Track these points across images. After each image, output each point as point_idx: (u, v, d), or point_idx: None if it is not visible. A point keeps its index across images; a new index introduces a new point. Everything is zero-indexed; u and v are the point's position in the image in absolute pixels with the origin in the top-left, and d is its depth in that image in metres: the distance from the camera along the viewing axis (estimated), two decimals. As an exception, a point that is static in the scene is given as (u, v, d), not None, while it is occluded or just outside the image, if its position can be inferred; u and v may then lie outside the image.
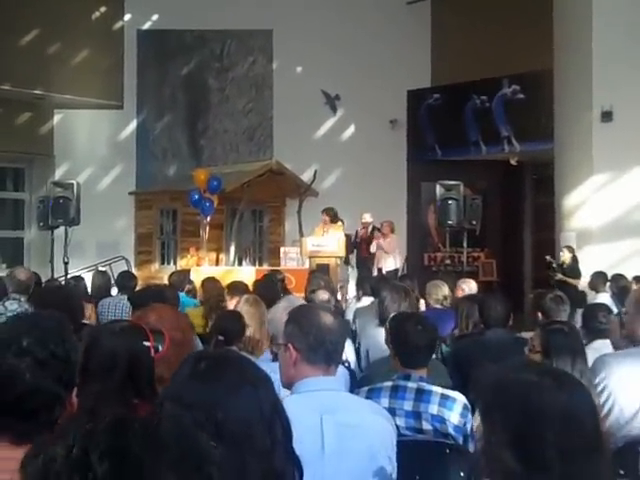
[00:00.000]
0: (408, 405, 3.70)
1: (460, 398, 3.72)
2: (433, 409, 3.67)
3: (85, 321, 5.91)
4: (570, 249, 11.36)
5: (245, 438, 1.57)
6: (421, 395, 3.71)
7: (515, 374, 1.76)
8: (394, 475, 2.74)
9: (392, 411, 3.66)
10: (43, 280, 8.85)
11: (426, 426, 3.69)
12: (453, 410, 3.66)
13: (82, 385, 2.52)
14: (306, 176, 15.27)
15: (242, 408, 1.61)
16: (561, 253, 11.50)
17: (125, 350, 2.49)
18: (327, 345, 2.69)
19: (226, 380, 1.65)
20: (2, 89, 14.49)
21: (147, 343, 2.68)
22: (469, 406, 3.71)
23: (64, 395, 2.05)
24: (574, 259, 11.26)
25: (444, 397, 3.70)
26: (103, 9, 16.02)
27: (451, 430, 3.66)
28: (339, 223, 12.61)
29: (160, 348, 2.80)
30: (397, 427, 3.56)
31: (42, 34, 14.97)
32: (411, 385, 3.75)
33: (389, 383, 3.79)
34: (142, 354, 2.57)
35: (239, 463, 1.55)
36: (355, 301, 8.35)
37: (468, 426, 3.68)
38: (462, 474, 3.60)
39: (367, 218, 13.35)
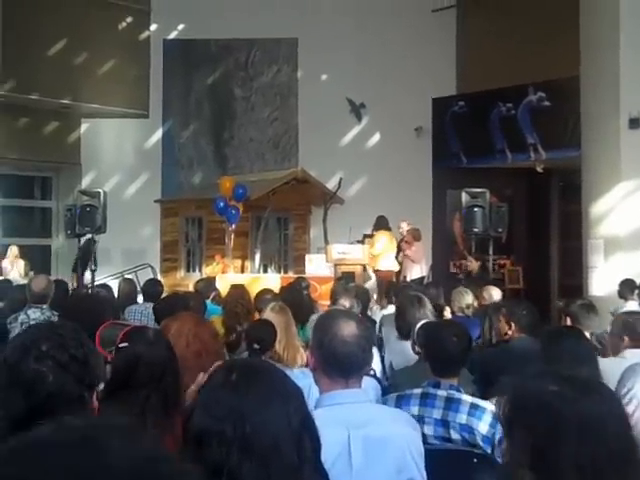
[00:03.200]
0: (437, 413, 3.68)
1: (490, 408, 3.68)
2: (462, 418, 3.64)
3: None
4: (478, 258, 11.17)
5: (272, 453, 1.54)
6: (450, 404, 3.68)
7: (532, 384, 1.72)
8: None
9: (421, 419, 3.65)
10: (70, 288, 8.93)
11: (454, 435, 3.66)
12: (482, 420, 3.63)
13: (109, 393, 2.53)
14: (331, 184, 15.28)
15: (270, 422, 1.58)
16: (468, 262, 11.31)
17: (168, 360, 2.51)
18: (340, 358, 2.64)
19: (256, 392, 1.62)
20: (30, 99, 14.64)
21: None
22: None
23: (87, 396, 2.08)
24: (483, 267, 11.11)
25: (473, 407, 3.67)
26: (129, 19, 16.15)
27: (479, 440, 3.62)
28: (383, 231, 12.64)
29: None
30: (425, 435, 3.56)
31: (69, 44, 15.11)
32: (441, 393, 3.73)
33: (419, 390, 3.76)
34: (168, 364, 2.59)
35: (266, 477, 1.53)
36: (379, 309, 8.32)
37: (497, 436, 3.64)
38: (491, 482, 3.58)
39: (404, 227, 13.33)
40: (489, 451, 3.64)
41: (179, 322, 3.05)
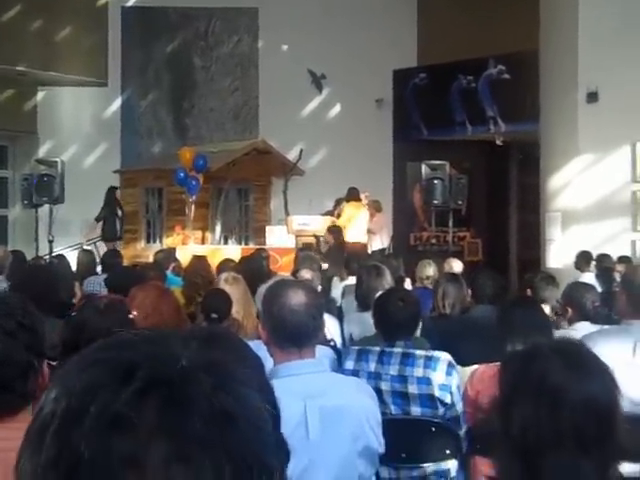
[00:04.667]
0: (394, 370, 3.75)
1: (444, 357, 3.77)
2: (418, 372, 3.73)
3: (74, 300, 5.90)
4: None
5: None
6: (406, 359, 3.77)
7: (527, 357, 1.76)
8: (381, 451, 2.76)
9: (378, 376, 3.74)
10: (28, 258, 8.82)
11: (412, 390, 3.74)
12: (437, 370, 3.71)
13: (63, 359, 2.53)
14: (292, 155, 15.23)
15: None
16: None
17: (116, 326, 2.51)
18: (290, 327, 2.63)
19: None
20: (-17, 66, 14.35)
21: (132, 315, 2.70)
22: (454, 363, 3.75)
23: (36, 364, 2.08)
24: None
25: (428, 358, 3.75)
26: (87, -15, 15.85)
27: (437, 390, 3.70)
28: (356, 203, 12.63)
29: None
30: (382, 392, 3.63)
31: (25, 10, 14.79)
32: (397, 350, 3.80)
33: (377, 348, 3.83)
34: (131, 327, 2.59)
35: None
36: (339, 280, 8.35)
37: (453, 383, 3.72)
38: (447, 451, 3.65)
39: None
40: (447, 399, 3.70)
41: (143, 293, 3.05)
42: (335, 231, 11.20)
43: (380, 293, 4.41)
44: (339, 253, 10.06)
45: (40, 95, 16.09)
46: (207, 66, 16.62)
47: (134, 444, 0.70)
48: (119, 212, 12.89)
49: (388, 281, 5.47)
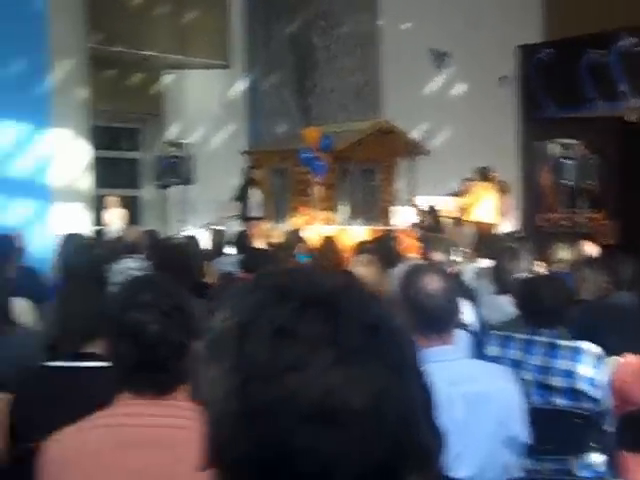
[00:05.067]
0: (537, 360, 3.67)
1: (592, 349, 3.63)
2: (563, 364, 3.62)
3: (205, 279, 6.04)
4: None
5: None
6: (551, 350, 3.67)
7: None
8: (527, 440, 2.71)
9: (520, 364, 3.66)
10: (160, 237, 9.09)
11: (555, 382, 3.64)
12: (583, 362, 3.60)
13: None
14: (416, 134, 15.10)
15: None
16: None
17: None
18: (428, 312, 2.62)
19: None
20: (114, 51, 14.78)
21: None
22: (603, 355, 3.62)
23: (189, 344, 2.11)
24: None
25: (574, 350, 3.64)
26: (212, -31, 16.09)
27: (582, 384, 3.59)
28: (486, 183, 12.50)
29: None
30: (524, 382, 3.55)
31: (151, -5, 15.17)
32: (541, 339, 3.71)
33: (522, 335, 3.75)
34: None
35: None
36: (468, 262, 8.23)
37: (602, 376, 3.58)
38: (593, 445, 3.53)
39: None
40: (595, 394, 3.58)
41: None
42: (433, 213, 11.24)
43: (529, 279, 4.30)
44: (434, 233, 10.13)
45: (166, 78, 16.49)
46: (327, 46, 16.62)
47: (297, 352, 0.80)
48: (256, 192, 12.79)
49: (525, 264, 5.35)
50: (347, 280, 0.88)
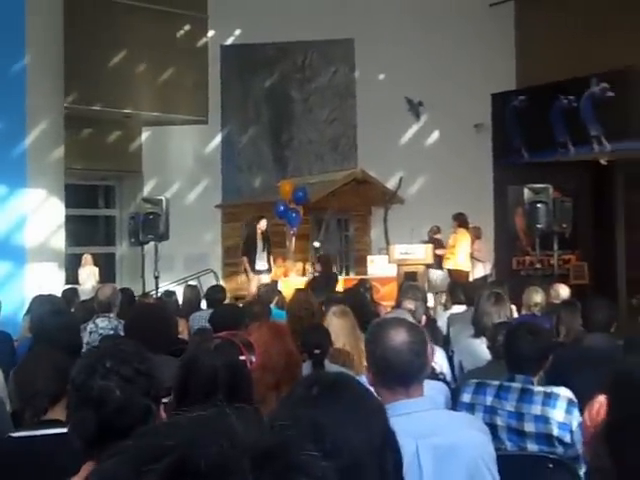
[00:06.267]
0: (510, 406, 3.65)
1: (565, 393, 3.63)
2: (536, 409, 3.62)
3: (179, 336, 6.00)
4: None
5: (353, 470, 1.48)
6: (524, 395, 3.66)
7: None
8: None
9: (494, 410, 3.64)
10: (136, 295, 9.04)
11: (528, 428, 3.62)
12: (557, 407, 3.59)
13: (179, 403, 2.54)
14: (391, 184, 15.19)
15: (352, 439, 1.52)
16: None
17: (224, 367, 2.51)
18: (394, 368, 2.58)
19: (337, 408, 1.56)
20: (93, 110, 14.87)
21: (242, 357, 2.69)
22: (575, 401, 3.61)
23: (154, 409, 2.10)
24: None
25: (547, 395, 3.63)
26: (187, 27, 16.29)
27: (555, 429, 3.58)
28: (463, 230, 12.56)
29: (253, 359, 2.81)
30: (497, 428, 3.52)
31: (129, 54, 15.31)
32: (515, 385, 3.70)
33: (496, 382, 3.74)
34: (240, 369, 2.59)
35: None
36: (442, 309, 8.22)
37: (574, 422, 3.57)
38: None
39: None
40: (567, 439, 3.57)
41: (257, 333, 3.05)
42: (324, 261, 11.29)
43: (507, 324, 4.30)
44: (325, 281, 10.12)
45: (144, 135, 16.57)
46: (305, 98, 16.80)
47: None
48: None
49: (507, 310, 5.35)
50: (262, 437, 0.67)
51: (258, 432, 0.66)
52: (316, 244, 13.73)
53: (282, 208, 13.60)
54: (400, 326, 2.71)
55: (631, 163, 14.69)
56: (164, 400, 3.03)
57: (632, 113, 13.20)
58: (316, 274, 11.77)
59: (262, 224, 13.61)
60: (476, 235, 13.14)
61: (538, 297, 7.09)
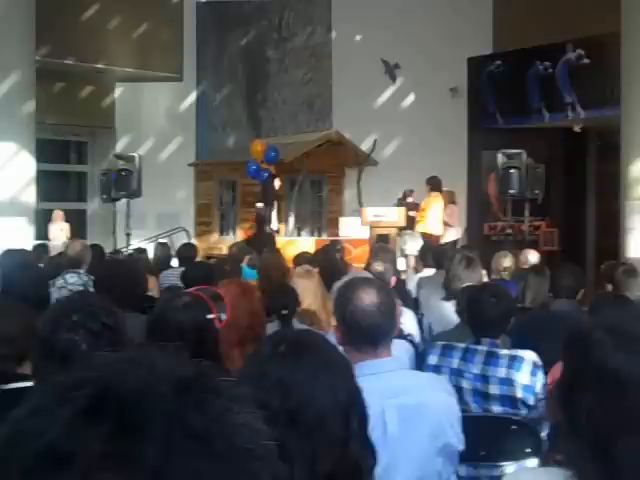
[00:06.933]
0: (476, 368, 3.69)
1: (529, 357, 3.68)
2: (501, 372, 3.66)
3: (149, 293, 5.98)
4: None
5: (318, 427, 1.52)
6: (490, 358, 3.70)
7: (582, 329, 1.73)
8: (461, 448, 2.71)
9: (460, 373, 3.68)
10: (106, 251, 8.99)
11: (493, 390, 3.67)
12: (521, 370, 3.64)
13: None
14: (365, 145, 15.17)
15: (317, 396, 1.55)
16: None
17: (191, 325, 2.51)
18: (364, 329, 2.60)
19: (304, 365, 1.59)
20: (65, 63, 14.66)
21: (211, 315, 2.69)
22: (540, 364, 3.66)
23: None
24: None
25: (512, 358, 3.68)
26: (163, -19, 16.06)
27: (520, 391, 3.63)
28: (436, 193, 12.56)
29: (223, 317, 2.81)
30: (462, 390, 3.57)
31: (103, 8, 15.08)
32: (481, 348, 3.74)
33: (462, 345, 3.77)
34: (207, 327, 2.59)
35: (310, 452, 1.50)
36: (414, 272, 8.26)
37: (538, 385, 3.63)
38: (528, 450, 3.56)
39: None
40: (531, 401, 3.62)
41: (223, 290, 3.04)
42: (258, 220, 11.51)
43: (471, 288, 4.33)
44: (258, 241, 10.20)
45: (118, 91, 16.38)
46: (281, 58, 16.67)
47: None
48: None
49: (478, 274, 5.37)
50: (184, 369, 0.66)
51: (178, 364, 0.67)
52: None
53: (254, 167, 13.54)
54: (369, 287, 2.72)
55: (604, 132, 14.77)
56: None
57: (607, 80, 13.22)
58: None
59: (277, 184, 13.63)
60: (450, 199, 13.16)
61: (507, 262, 7.14)
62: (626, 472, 1.53)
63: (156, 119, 16.31)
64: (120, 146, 15.76)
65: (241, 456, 0.62)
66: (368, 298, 2.63)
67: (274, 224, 13.55)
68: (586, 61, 14.20)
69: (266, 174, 13.50)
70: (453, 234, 12.90)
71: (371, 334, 2.61)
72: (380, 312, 2.62)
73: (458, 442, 2.70)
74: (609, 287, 5.34)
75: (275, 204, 13.80)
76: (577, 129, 14.91)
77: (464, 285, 4.97)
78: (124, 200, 11.34)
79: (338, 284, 4.12)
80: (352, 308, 2.62)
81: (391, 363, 2.66)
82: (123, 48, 15.42)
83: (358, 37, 16.07)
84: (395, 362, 2.71)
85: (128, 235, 11.03)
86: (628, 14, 12.04)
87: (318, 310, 4.76)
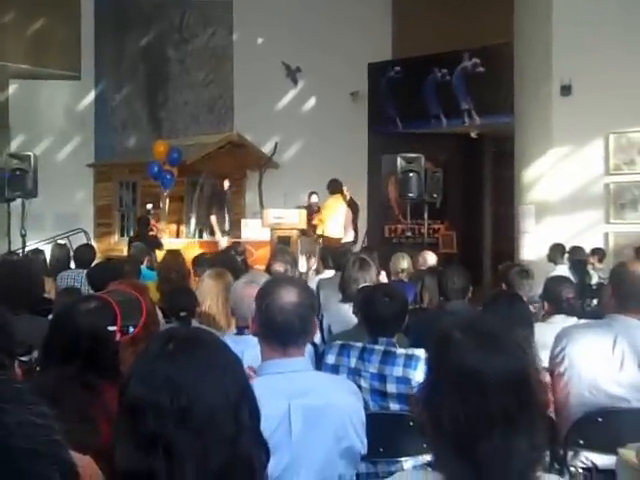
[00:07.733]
0: (374, 368, 3.73)
1: (425, 355, 3.74)
2: (398, 371, 3.71)
3: (45, 295, 5.86)
4: None
5: (209, 424, 1.52)
6: (387, 357, 3.75)
7: (443, 328, 1.74)
8: (364, 451, 2.75)
9: (357, 372, 3.72)
10: (0, 253, 8.74)
11: (390, 389, 3.72)
12: (417, 369, 3.69)
13: (43, 362, 2.50)
14: (267, 148, 15.19)
15: (207, 393, 1.55)
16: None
17: (88, 333, 2.46)
18: (277, 325, 2.62)
19: (193, 363, 1.58)
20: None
21: (112, 328, 2.64)
22: None
23: (8, 364, 2.06)
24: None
25: (408, 357, 3.73)
26: (60, -23, 15.69)
27: (416, 389, 3.66)
28: (336, 196, 12.60)
29: (131, 330, 2.77)
30: (361, 389, 3.62)
31: (-4, 2, 14.64)
32: (378, 348, 3.78)
33: (360, 344, 3.82)
34: (105, 338, 2.54)
35: (201, 450, 1.50)
36: (314, 274, 8.32)
37: None
38: (425, 445, 3.64)
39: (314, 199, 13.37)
40: None
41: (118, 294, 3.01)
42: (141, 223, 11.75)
43: (365, 288, 4.38)
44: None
45: (12, 88, 15.91)
46: (181, 59, 16.53)
47: None
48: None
49: (372, 275, 5.44)
50: None
51: None
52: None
53: (156, 169, 13.40)
54: (292, 286, 2.73)
55: (499, 138, 15.21)
56: (23, 358, 2.96)
57: (501, 89, 13.63)
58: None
59: (226, 185, 13.43)
60: (350, 202, 13.28)
61: (404, 263, 7.28)
62: (489, 471, 1.57)
63: (53, 118, 15.93)
64: (15, 145, 15.32)
65: (19, 456, 0.60)
66: (287, 296, 2.64)
67: (217, 234, 13.28)
68: (481, 69, 14.61)
69: (168, 175, 13.39)
70: (350, 236, 13.04)
71: (282, 331, 2.62)
72: (295, 312, 2.63)
73: (361, 445, 2.73)
74: (504, 287, 5.50)
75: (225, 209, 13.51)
76: (474, 135, 15.32)
77: (360, 286, 5.04)
78: (19, 200, 11.02)
79: (239, 282, 4.13)
80: (269, 302, 2.63)
81: (298, 363, 2.67)
82: (17, 44, 14.99)
83: (260, 40, 16.08)
84: (303, 362, 2.70)
85: (23, 236, 10.70)
86: (520, 26, 12.44)
87: (216, 312, 4.75)
